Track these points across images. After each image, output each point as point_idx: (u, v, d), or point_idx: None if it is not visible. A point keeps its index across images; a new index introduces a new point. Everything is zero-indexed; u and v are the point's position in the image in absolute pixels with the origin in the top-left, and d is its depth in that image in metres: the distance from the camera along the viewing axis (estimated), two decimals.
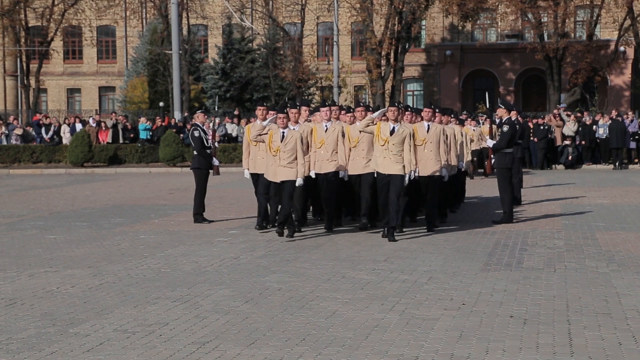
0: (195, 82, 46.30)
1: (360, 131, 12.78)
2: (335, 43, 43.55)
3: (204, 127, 15.27)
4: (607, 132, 30.49)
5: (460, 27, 50.37)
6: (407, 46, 44.06)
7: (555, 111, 32.89)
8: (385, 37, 42.06)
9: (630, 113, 33.28)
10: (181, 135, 32.19)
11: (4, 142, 35.00)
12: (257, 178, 13.68)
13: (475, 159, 24.69)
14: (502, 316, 7.63)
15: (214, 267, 10.37)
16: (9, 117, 38.84)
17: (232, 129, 34.18)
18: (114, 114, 39.24)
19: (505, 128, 14.54)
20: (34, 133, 35.66)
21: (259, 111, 13.87)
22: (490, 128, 18.05)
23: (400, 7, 41.63)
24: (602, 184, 22.92)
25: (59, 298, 8.63)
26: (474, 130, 23.07)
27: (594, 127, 31.09)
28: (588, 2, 43.68)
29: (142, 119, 36.15)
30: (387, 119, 12.54)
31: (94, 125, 34.61)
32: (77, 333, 7.18)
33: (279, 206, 12.68)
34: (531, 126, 29.43)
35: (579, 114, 32.16)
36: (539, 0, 41.64)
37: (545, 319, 7.52)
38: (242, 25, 45.89)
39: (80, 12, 48.38)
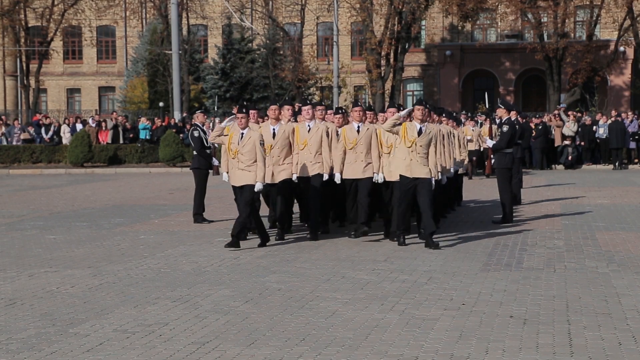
0: (195, 82, 46.30)
1: (386, 131, 11.99)
2: (335, 43, 43.55)
3: (204, 127, 15.28)
4: (607, 132, 30.50)
5: (460, 27, 50.38)
6: (407, 46, 44.07)
7: (555, 111, 32.91)
8: (385, 37, 42.07)
9: (630, 113, 33.27)
10: (181, 135, 32.20)
11: (4, 142, 35.01)
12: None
13: (475, 158, 24.71)
14: (502, 316, 7.63)
15: (214, 267, 10.37)
16: (12, 120, 38.81)
17: None
18: (114, 114, 39.25)
19: (505, 128, 14.54)
20: (34, 134, 35.68)
21: (271, 111, 13.10)
22: (490, 128, 18.06)
23: (400, 7, 41.64)
24: (602, 184, 22.92)
25: (59, 298, 8.63)
26: (472, 130, 23.09)
27: (594, 127, 31.09)
28: (588, 2, 43.70)
29: (142, 119, 36.16)
30: (412, 119, 11.79)
31: (94, 125, 34.62)
32: (77, 333, 7.18)
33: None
34: (533, 126, 29.42)
35: (579, 114, 32.16)
36: (539, 0, 41.65)
37: (545, 319, 7.52)
38: (242, 26, 45.90)
39: (80, 12, 48.40)
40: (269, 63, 45.04)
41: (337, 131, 13.11)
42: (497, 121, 15.63)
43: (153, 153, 33.49)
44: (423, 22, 48.65)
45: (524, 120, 25.11)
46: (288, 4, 49.11)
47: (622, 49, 45.06)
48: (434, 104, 37.75)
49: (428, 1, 43.03)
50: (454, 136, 15.16)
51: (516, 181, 16.79)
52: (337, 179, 12.53)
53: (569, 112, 32.03)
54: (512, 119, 15.33)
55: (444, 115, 15.21)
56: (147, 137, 34.63)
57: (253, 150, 11.50)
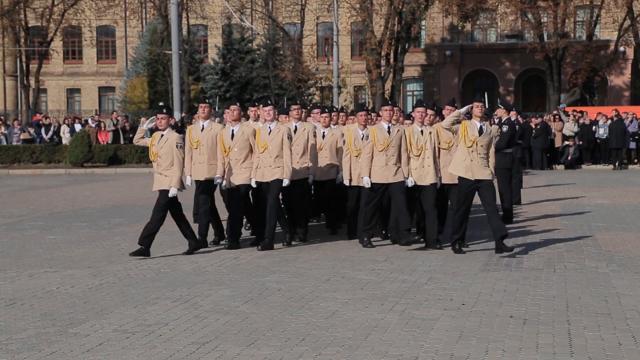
0: (195, 82, 46.29)
1: (445, 129, 11.28)
2: (335, 43, 43.54)
3: None
4: (607, 132, 30.49)
5: (460, 27, 50.38)
6: (406, 46, 44.06)
7: (554, 111, 32.90)
8: (385, 37, 42.06)
9: (629, 113, 33.25)
10: (181, 135, 32.16)
11: (4, 142, 35.00)
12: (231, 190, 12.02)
13: None
14: (502, 316, 7.63)
15: (214, 267, 10.37)
16: (12, 120, 38.80)
17: None
18: (114, 113, 39.24)
19: (505, 128, 14.54)
20: (34, 134, 35.67)
21: (251, 112, 13.03)
22: None
23: (400, 7, 41.64)
24: (602, 184, 22.92)
25: (59, 298, 8.63)
26: None
27: (594, 127, 31.08)
28: (588, 2, 43.69)
29: (142, 119, 36.15)
30: (471, 117, 11.20)
31: (94, 125, 34.62)
32: (77, 333, 7.18)
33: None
34: (533, 126, 29.41)
35: (579, 114, 32.14)
36: (539, 0, 41.65)
37: (545, 319, 7.52)
38: (242, 26, 45.88)
39: (80, 12, 48.40)
40: (269, 63, 45.02)
41: (324, 132, 12.81)
42: (497, 121, 15.62)
43: None
44: (423, 22, 48.65)
45: (524, 120, 25.10)
46: (288, 4, 49.11)
47: (622, 49, 45.05)
48: (434, 104, 37.73)
49: (428, 1, 43.02)
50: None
51: (516, 181, 16.79)
52: (367, 183, 11.56)
53: (570, 109, 31.97)
54: (512, 119, 15.34)
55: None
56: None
57: (170, 152, 11.16)
